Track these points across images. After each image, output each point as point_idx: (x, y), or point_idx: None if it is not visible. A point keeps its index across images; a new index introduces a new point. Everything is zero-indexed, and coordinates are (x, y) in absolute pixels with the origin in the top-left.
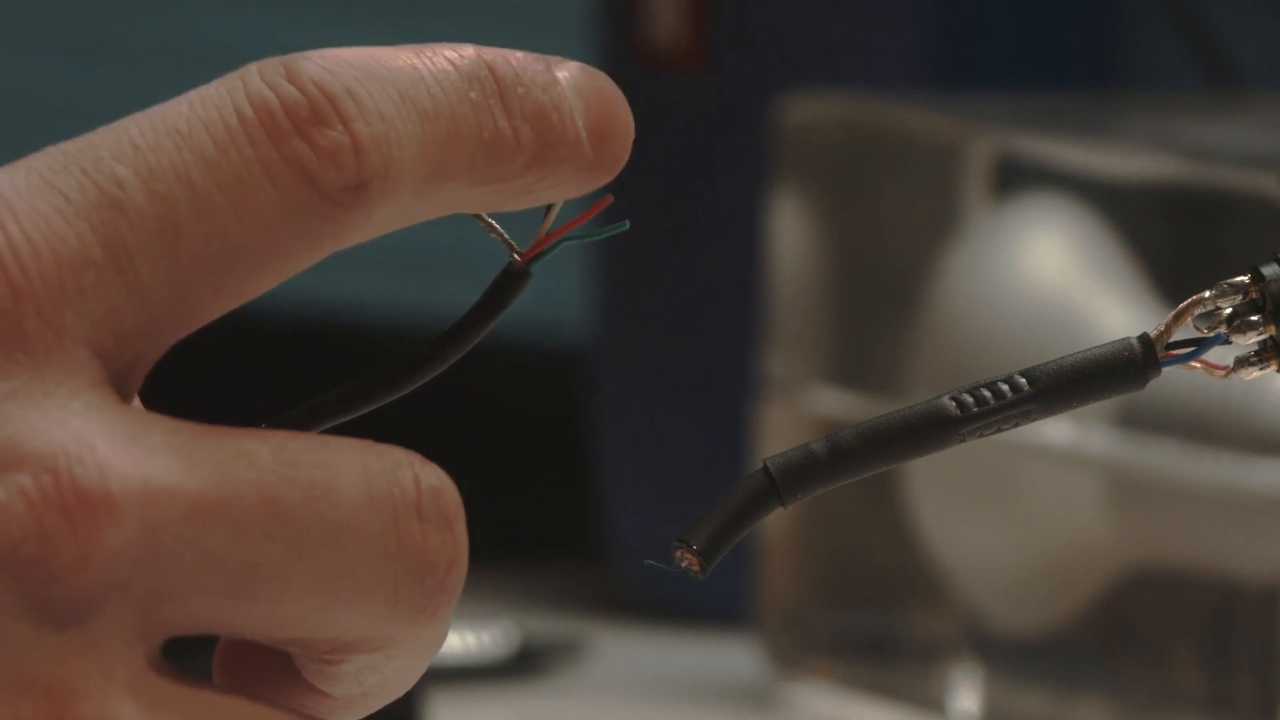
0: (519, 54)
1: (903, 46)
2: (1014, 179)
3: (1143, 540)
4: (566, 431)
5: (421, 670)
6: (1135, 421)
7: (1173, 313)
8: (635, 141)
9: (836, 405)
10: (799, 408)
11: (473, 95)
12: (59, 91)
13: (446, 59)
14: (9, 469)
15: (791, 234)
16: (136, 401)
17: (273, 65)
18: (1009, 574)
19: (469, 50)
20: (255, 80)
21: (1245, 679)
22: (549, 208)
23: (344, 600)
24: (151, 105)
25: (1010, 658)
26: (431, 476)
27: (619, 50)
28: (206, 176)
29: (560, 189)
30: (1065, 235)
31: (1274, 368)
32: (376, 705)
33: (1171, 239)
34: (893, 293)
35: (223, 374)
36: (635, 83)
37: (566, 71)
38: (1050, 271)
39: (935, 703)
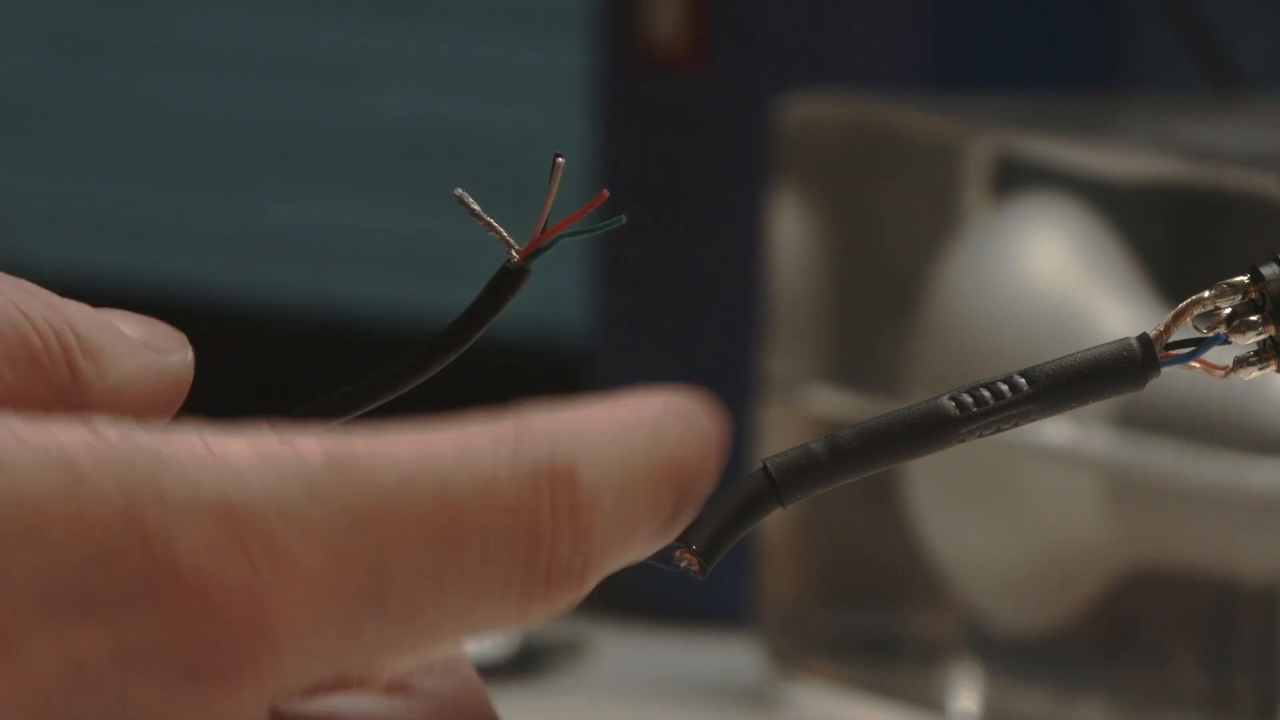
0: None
1: (903, 46)
2: (1014, 179)
3: (1143, 540)
4: None
5: None
6: (1135, 421)
7: (1172, 313)
8: (634, 140)
9: (836, 405)
10: (799, 408)
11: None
12: (59, 91)
13: None
14: None
15: (791, 234)
16: None
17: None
18: (1009, 574)
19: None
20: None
21: (1245, 679)
22: (544, 204)
23: None
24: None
25: (1010, 658)
26: None
27: (619, 50)
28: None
29: None
30: (1065, 235)
31: (1273, 368)
32: None
33: (1171, 239)
34: (893, 293)
35: (221, 373)
36: (635, 82)
37: None
38: (1050, 271)
39: (935, 703)
